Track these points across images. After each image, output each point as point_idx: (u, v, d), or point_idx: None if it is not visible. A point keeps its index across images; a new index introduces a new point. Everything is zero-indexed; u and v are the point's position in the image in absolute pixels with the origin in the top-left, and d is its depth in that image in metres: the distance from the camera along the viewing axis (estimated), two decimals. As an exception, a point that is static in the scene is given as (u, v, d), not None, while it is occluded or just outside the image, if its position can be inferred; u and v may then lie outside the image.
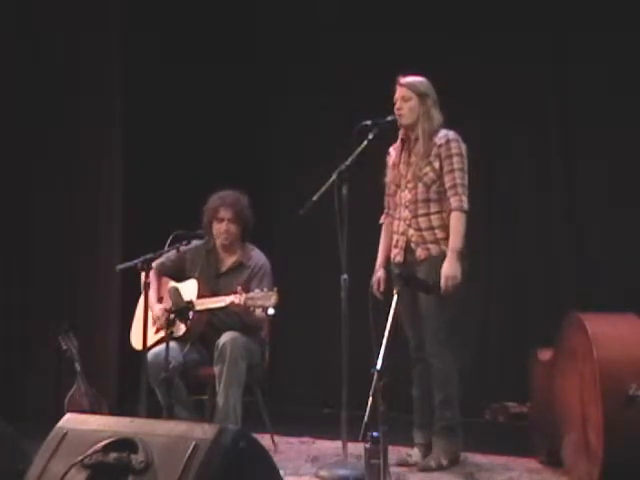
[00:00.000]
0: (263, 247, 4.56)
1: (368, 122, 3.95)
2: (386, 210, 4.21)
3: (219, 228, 4.41)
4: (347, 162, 3.88)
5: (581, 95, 5.20)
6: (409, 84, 4.01)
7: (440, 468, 3.90)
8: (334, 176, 3.85)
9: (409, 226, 4.01)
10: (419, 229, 3.99)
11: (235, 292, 4.05)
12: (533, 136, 5.38)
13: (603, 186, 5.07)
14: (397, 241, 4.07)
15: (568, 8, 5.18)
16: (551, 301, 5.21)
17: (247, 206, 4.46)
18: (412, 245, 4.00)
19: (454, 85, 4.91)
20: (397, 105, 4.00)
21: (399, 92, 4.02)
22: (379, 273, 4.13)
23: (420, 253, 3.98)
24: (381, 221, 4.22)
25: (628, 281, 4.86)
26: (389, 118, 4.00)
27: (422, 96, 3.99)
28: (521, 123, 5.41)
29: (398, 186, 4.09)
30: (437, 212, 3.97)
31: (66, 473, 2.21)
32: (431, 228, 3.97)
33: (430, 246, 3.96)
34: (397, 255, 4.06)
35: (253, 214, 4.49)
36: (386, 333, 3.24)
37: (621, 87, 5.00)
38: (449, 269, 3.85)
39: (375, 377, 3.09)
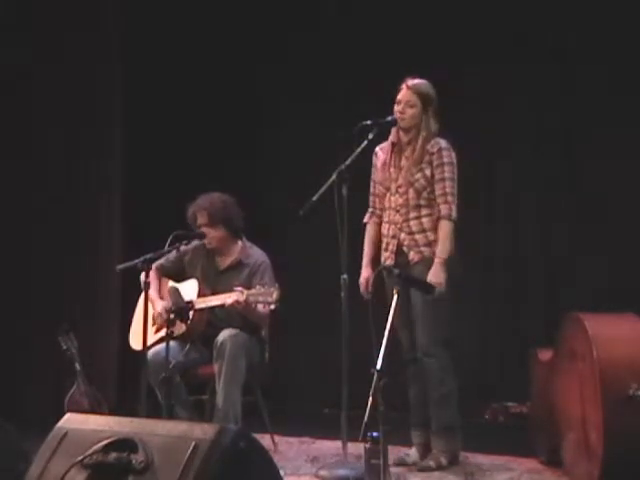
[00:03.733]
0: (263, 247, 4.55)
1: (368, 122, 3.95)
2: (371, 209, 4.18)
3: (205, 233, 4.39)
4: (347, 162, 3.87)
5: (581, 95, 5.20)
6: (417, 90, 3.98)
7: (440, 468, 3.90)
8: (334, 176, 3.85)
9: (400, 230, 4.01)
10: (411, 232, 3.99)
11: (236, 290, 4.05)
12: (533, 136, 5.38)
13: (603, 186, 5.06)
14: (387, 244, 4.07)
15: (568, 8, 5.18)
16: (551, 301, 5.21)
17: (224, 205, 4.35)
18: (404, 248, 4.01)
19: (454, 85, 4.91)
20: (400, 108, 3.98)
21: (405, 95, 3.99)
22: (366, 273, 4.09)
23: (413, 256, 3.99)
24: (365, 220, 4.18)
25: (628, 281, 4.86)
26: (389, 118, 4.00)
27: (426, 104, 3.98)
28: (521, 123, 5.41)
29: (387, 189, 4.08)
30: (428, 215, 3.97)
31: (66, 473, 2.21)
32: (423, 231, 3.98)
33: (423, 249, 3.97)
34: (387, 259, 4.05)
35: (236, 210, 4.40)
36: (386, 333, 3.24)
37: (621, 87, 5.00)
38: (435, 276, 3.86)
39: (375, 377, 3.09)
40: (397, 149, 4.07)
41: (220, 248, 4.43)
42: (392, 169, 4.07)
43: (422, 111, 3.98)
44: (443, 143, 3.99)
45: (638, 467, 3.28)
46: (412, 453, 4.05)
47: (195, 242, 4.44)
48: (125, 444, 2.19)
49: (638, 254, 4.92)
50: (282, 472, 2.56)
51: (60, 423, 2.40)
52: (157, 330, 4.30)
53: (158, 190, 5.76)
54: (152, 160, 5.82)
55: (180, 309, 4.15)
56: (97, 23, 5.67)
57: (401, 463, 3.98)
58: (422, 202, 3.98)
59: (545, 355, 4.04)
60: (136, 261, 3.96)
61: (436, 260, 3.90)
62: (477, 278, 5.33)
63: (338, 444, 3.88)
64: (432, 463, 3.91)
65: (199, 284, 4.34)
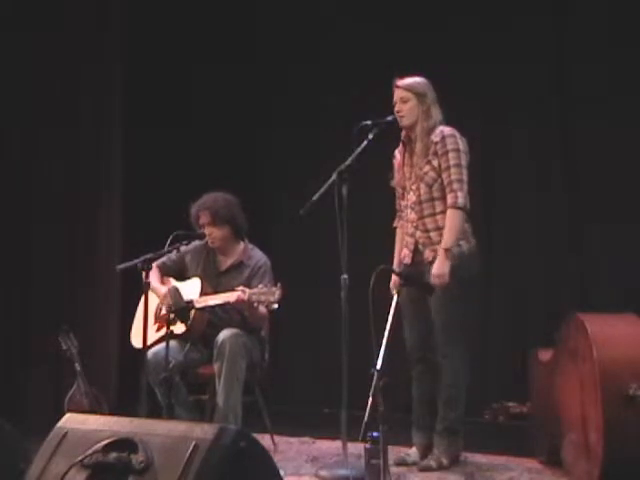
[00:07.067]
0: (263, 247, 4.56)
1: (368, 122, 3.95)
2: (399, 213, 4.21)
3: (205, 233, 4.40)
4: (347, 162, 3.87)
5: (581, 95, 5.20)
6: (406, 85, 4.00)
7: (441, 468, 3.90)
8: (334, 176, 3.85)
9: (416, 228, 4.01)
10: (426, 230, 3.98)
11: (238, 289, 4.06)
12: (533, 136, 5.38)
13: (603, 186, 5.06)
14: (407, 243, 4.08)
15: (568, 7, 5.18)
16: (551, 301, 5.20)
17: (228, 205, 4.37)
18: (420, 247, 4.00)
19: (454, 85, 4.91)
20: (396, 107, 4.00)
21: (397, 94, 4.01)
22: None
23: (428, 255, 3.96)
24: (395, 224, 4.22)
25: (628, 281, 4.86)
26: (389, 118, 4.00)
27: (420, 96, 3.99)
28: (521, 123, 5.41)
29: (404, 188, 4.09)
30: (443, 212, 3.94)
31: (66, 473, 2.21)
32: (438, 229, 3.95)
33: (437, 247, 3.92)
34: (406, 257, 4.06)
35: (240, 211, 4.42)
36: (386, 333, 3.24)
37: (621, 87, 5.00)
38: (437, 268, 3.85)
39: (375, 377, 3.09)
40: (408, 148, 4.08)
41: (222, 248, 4.44)
42: (406, 168, 4.08)
43: (418, 103, 3.98)
44: (447, 130, 3.97)
45: (638, 467, 3.28)
46: (412, 453, 4.04)
47: (195, 242, 4.44)
48: (125, 444, 2.19)
49: (638, 254, 4.92)
50: (282, 472, 2.55)
51: (60, 423, 2.40)
52: (158, 329, 4.30)
53: (158, 190, 5.76)
54: (152, 160, 5.82)
55: (180, 309, 4.15)
56: (97, 23, 5.67)
57: (401, 463, 3.98)
58: (435, 195, 3.94)
59: (545, 355, 4.04)
60: (136, 261, 3.96)
61: (439, 251, 3.87)
62: (477, 278, 5.32)
63: (338, 444, 3.88)
64: (433, 463, 3.91)
65: (202, 283, 4.34)
